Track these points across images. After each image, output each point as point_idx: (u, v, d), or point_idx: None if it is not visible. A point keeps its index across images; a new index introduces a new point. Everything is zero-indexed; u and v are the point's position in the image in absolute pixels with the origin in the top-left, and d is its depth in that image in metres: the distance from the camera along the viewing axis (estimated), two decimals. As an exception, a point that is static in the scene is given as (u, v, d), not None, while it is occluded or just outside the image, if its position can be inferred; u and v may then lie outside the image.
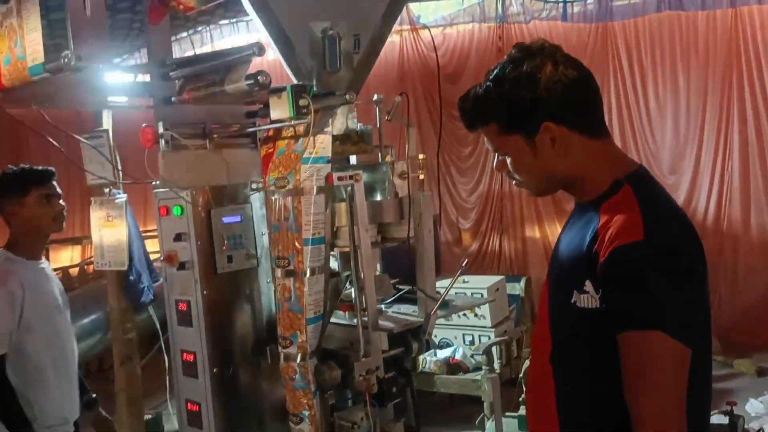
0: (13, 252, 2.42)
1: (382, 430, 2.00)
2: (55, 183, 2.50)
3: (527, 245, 6.01)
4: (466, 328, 4.77)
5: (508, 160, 1.29)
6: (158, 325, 4.93)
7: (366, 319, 1.91)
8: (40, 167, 2.51)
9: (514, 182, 1.35)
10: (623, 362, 1.14)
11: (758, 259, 5.99)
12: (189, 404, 2.07)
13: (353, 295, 1.97)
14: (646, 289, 1.13)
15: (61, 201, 2.50)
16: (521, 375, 3.31)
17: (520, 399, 3.26)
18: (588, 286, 1.17)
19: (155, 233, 2.18)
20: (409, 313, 2.13)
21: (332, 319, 2.00)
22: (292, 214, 1.84)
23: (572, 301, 1.20)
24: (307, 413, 1.91)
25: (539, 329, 1.33)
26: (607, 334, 1.16)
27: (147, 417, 4.77)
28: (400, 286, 2.27)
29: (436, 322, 2.32)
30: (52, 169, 2.52)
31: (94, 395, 2.72)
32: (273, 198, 1.89)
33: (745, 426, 3.03)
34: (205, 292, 1.96)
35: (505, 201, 6.47)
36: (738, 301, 5.97)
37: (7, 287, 2.31)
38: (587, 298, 1.18)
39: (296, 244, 1.84)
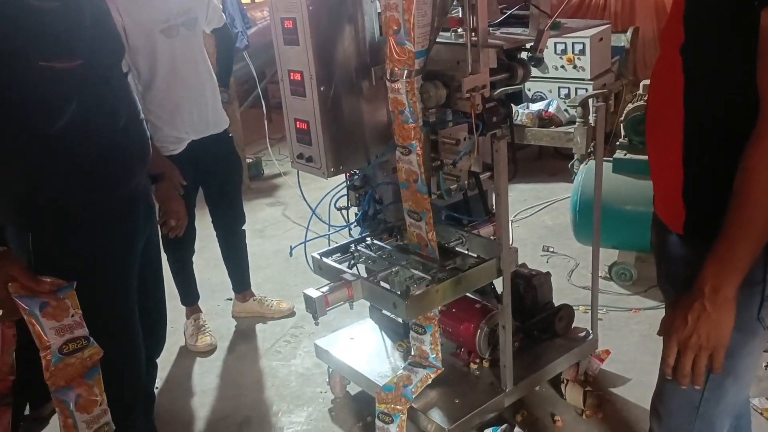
0: None
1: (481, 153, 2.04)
2: None
3: (635, -3, 5.50)
4: (562, 81, 4.63)
5: None
6: (255, 73, 5.05)
7: (475, 36, 1.86)
8: None
9: None
10: (761, 40, 1.06)
11: None
12: (298, 123, 2.15)
13: (461, 13, 1.90)
14: None
15: None
16: (621, 120, 3.24)
17: (617, 143, 3.23)
18: None
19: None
20: (517, 33, 2.04)
21: (438, 39, 1.95)
22: None
23: None
24: (415, 145, 1.96)
25: (672, 21, 1.24)
26: (749, 20, 1.06)
27: (248, 161, 5.14)
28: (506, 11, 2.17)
29: (531, 76, 2.24)
30: None
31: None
32: None
33: None
34: (311, 8, 1.93)
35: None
36: None
37: None
38: None
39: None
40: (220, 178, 3.00)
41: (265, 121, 4.64)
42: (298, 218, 4.49)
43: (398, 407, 2.19)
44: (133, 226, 1.75)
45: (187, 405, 2.71)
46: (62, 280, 1.58)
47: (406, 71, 1.87)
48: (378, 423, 2.22)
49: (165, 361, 2.83)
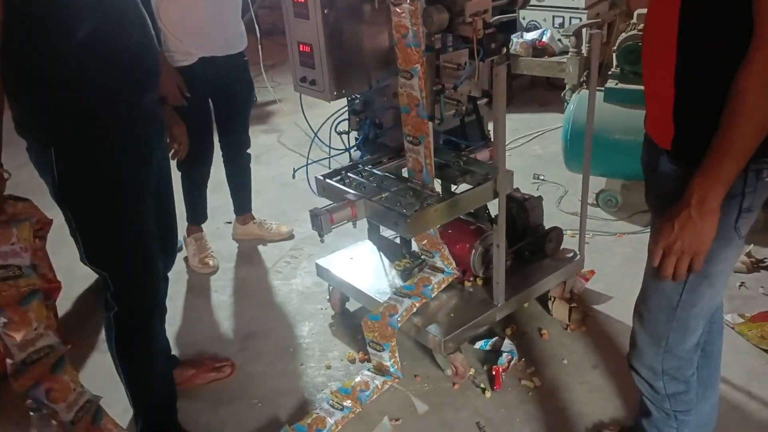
0: None
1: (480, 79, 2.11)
2: None
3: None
4: (556, 10, 4.61)
5: None
6: (248, -3, 4.90)
7: (478, -39, 1.89)
8: None
9: None
10: None
11: None
12: (301, 46, 2.19)
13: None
14: None
15: None
16: (614, 49, 3.28)
17: (609, 72, 3.29)
18: None
19: None
20: (520, -42, 2.07)
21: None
22: None
23: None
24: (418, 69, 2.01)
25: None
26: None
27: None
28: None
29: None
30: None
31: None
32: None
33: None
34: (316, -71, 1.94)
35: None
36: None
37: None
38: None
39: None
40: (231, 99, 3.01)
41: (259, 47, 4.61)
42: (293, 145, 4.54)
43: (386, 335, 2.33)
44: (149, 142, 1.82)
45: (191, 320, 2.85)
46: (30, 212, 1.65)
47: (410, -5, 1.91)
48: (370, 350, 2.37)
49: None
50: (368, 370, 2.39)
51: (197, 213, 3.20)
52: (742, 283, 2.75)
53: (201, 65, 2.78)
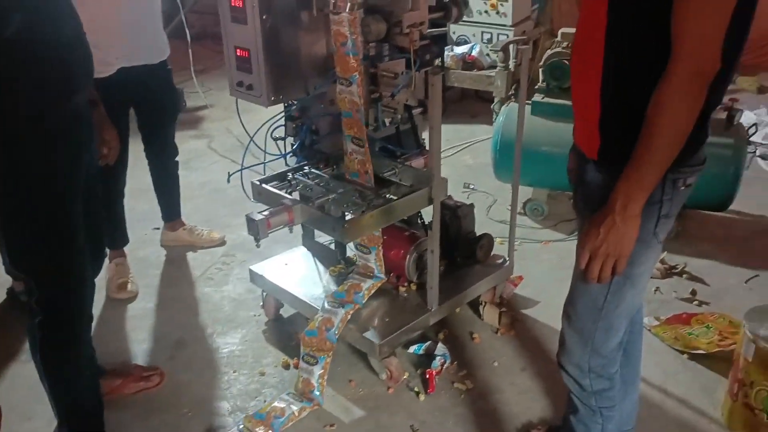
0: None
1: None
2: None
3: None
4: (485, 26, 4.77)
5: None
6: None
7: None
8: None
9: None
10: None
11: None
12: (238, 51, 2.18)
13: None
14: None
15: None
16: (540, 65, 3.43)
17: (536, 87, 3.43)
18: None
19: None
20: (455, -27, 2.14)
21: (379, -26, 2.02)
22: None
23: None
24: (356, 77, 2.04)
25: None
26: None
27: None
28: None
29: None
30: None
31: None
32: None
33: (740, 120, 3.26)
34: (255, -66, 1.95)
35: None
36: (756, 23, 5.85)
37: None
38: None
39: None
40: (155, 109, 2.95)
41: (189, 51, 4.55)
42: (224, 151, 4.48)
43: (324, 348, 2.32)
44: (78, 143, 1.77)
45: (117, 328, 2.76)
46: None
47: (349, 4, 1.94)
48: (302, 364, 2.34)
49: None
50: (287, 393, 2.33)
51: (117, 234, 3.04)
52: (657, 288, 2.92)
53: (120, 75, 2.65)
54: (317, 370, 2.31)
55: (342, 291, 2.44)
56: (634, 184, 1.32)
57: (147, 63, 2.77)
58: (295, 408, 2.26)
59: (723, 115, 3.19)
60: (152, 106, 2.92)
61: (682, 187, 1.46)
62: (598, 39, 1.38)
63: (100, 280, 2.93)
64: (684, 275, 3.01)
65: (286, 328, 2.69)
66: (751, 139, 4.33)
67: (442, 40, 2.19)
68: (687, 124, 1.27)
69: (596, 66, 1.41)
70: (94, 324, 2.19)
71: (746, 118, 4.61)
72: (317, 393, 2.30)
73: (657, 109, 1.27)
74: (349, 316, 2.35)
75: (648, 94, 1.30)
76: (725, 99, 3.44)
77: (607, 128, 1.44)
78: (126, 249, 3.11)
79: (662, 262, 3.03)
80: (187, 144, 4.66)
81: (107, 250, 3.00)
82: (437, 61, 2.27)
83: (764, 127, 4.54)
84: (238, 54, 2.19)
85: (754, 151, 4.27)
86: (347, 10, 1.96)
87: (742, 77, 5.51)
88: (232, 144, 4.51)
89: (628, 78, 1.37)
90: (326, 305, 2.39)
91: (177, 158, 3.20)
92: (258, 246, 2.14)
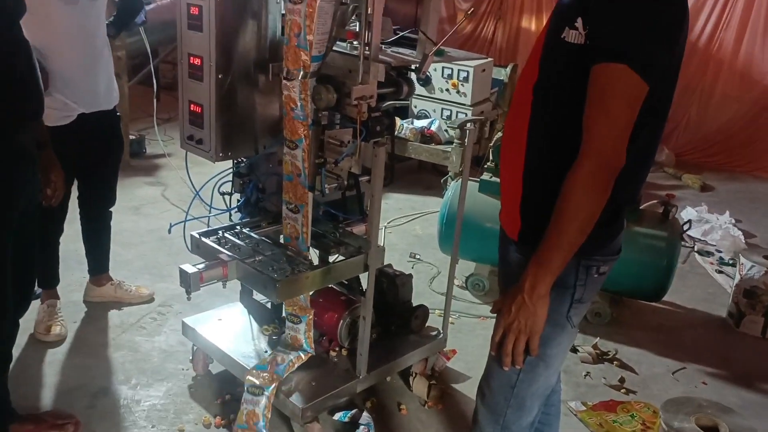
0: None
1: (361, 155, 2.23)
2: None
3: (520, 35, 6.00)
4: (445, 103, 4.96)
5: None
6: (149, 49, 4.97)
7: (368, 51, 2.05)
8: None
9: None
10: (588, 93, 1.32)
11: (736, 88, 6.16)
12: (192, 105, 2.24)
13: (358, 28, 2.08)
14: (622, 24, 1.27)
15: None
16: (491, 145, 3.57)
17: (485, 166, 3.55)
18: (578, 22, 1.32)
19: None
20: (406, 53, 2.25)
21: (335, 48, 2.12)
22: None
23: (563, 36, 1.35)
24: (302, 141, 2.11)
25: (530, 62, 1.49)
26: (586, 72, 1.32)
27: (131, 137, 5.04)
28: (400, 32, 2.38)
29: (417, 93, 2.45)
30: None
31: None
32: None
33: (676, 216, 3.41)
34: (218, -1, 2.03)
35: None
36: (704, 125, 6.24)
37: None
38: (576, 34, 1.33)
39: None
40: (99, 156, 2.92)
41: (155, 100, 4.60)
42: (177, 200, 4.47)
43: (271, 381, 2.28)
44: (16, 181, 1.77)
45: (39, 372, 2.67)
46: None
47: (301, 72, 2.02)
48: (246, 396, 2.29)
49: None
50: None
51: (47, 275, 2.97)
52: (588, 373, 2.97)
53: (78, 121, 2.69)
54: (263, 400, 2.25)
55: (264, 363, 2.38)
56: (543, 266, 1.38)
57: (103, 109, 2.81)
58: None
59: (660, 209, 3.34)
60: (98, 151, 2.90)
61: (596, 275, 1.53)
62: (523, 128, 1.47)
63: (29, 321, 2.88)
64: (615, 362, 3.07)
65: (214, 385, 2.64)
66: (691, 235, 4.55)
67: (403, 113, 2.28)
68: (592, 214, 1.34)
69: (520, 153, 1.50)
70: (12, 365, 2.13)
71: (687, 213, 4.83)
72: None
73: (564, 198, 1.34)
74: (302, 361, 2.33)
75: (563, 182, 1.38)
76: (663, 194, 3.66)
77: (527, 212, 1.52)
78: (60, 291, 3.04)
79: (594, 347, 3.09)
80: (141, 190, 4.66)
81: (39, 290, 2.96)
82: (385, 134, 2.35)
83: (703, 224, 4.74)
84: (191, 108, 2.24)
85: (692, 246, 4.45)
86: (299, 78, 2.03)
87: (687, 175, 5.79)
88: (185, 194, 4.49)
89: (547, 167, 1.46)
90: (247, 395, 2.31)
91: (112, 209, 3.13)
92: (189, 298, 2.13)
